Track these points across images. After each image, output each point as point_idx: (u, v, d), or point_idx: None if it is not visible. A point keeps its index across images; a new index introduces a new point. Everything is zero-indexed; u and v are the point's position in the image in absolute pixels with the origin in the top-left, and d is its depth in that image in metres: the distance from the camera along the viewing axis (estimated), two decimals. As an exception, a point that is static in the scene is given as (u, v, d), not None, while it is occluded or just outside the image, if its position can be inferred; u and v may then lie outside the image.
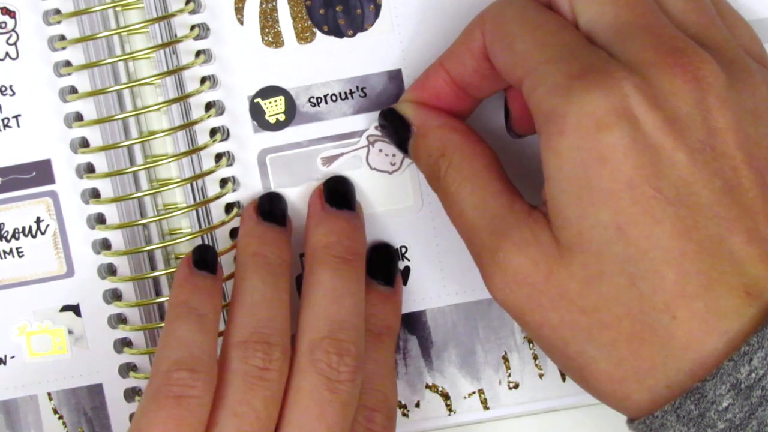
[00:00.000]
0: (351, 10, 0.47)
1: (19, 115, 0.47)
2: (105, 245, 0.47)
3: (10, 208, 0.47)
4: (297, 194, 0.47)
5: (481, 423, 0.49)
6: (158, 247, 0.46)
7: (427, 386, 0.48)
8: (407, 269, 0.48)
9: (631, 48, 0.37)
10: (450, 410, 0.49)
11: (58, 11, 0.46)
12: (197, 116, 0.46)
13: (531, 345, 0.48)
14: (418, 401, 0.49)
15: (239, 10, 0.47)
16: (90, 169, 0.47)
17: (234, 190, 0.47)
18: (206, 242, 0.47)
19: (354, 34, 0.47)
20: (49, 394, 0.48)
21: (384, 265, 0.47)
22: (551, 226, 0.37)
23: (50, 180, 0.47)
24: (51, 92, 0.47)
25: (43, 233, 0.47)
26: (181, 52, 0.46)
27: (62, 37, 0.46)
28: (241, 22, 0.47)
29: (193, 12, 0.46)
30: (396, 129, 0.44)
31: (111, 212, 0.47)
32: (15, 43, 0.47)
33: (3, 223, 0.47)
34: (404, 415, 0.48)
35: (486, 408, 0.48)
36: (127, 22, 0.47)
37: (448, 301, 0.48)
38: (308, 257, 0.45)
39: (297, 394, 0.41)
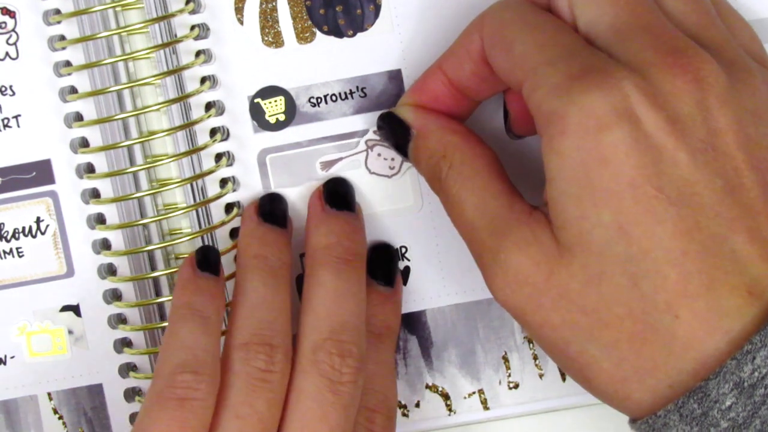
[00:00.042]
0: (351, 10, 0.47)
1: (19, 115, 0.47)
2: (105, 245, 0.47)
3: (10, 208, 0.47)
4: (297, 194, 0.47)
5: (481, 423, 0.49)
6: (158, 247, 0.46)
7: (427, 386, 0.48)
8: (407, 269, 0.48)
9: (631, 48, 0.37)
10: (450, 410, 0.49)
11: (58, 11, 0.46)
12: (197, 116, 0.46)
13: (531, 345, 0.48)
14: (418, 401, 0.49)
15: (239, 10, 0.47)
16: (90, 169, 0.47)
17: (234, 190, 0.47)
18: (206, 242, 0.47)
19: (354, 34, 0.47)
20: (49, 394, 0.48)
21: (384, 265, 0.47)
22: (552, 227, 0.37)
23: (50, 180, 0.47)
24: (51, 92, 0.47)
25: (43, 233, 0.47)
26: (181, 52, 0.46)
27: (62, 37, 0.46)
28: (241, 22, 0.47)
29: (193, 12, 0.46)
30: (395, 132, 0.44)
31: (111, 212, 0.47)
32: (15, 43, 0.47)
33: (3, 223, 0.47)
34: (404, 415, 0.48)
35: (486, 408, 0.48)
36: (127, 22, 0.47)
37: (448, 301, 0.48)
38: (309, 258, 0.45)
39: (299, 396, 0.41)
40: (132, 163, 0.47)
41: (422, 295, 0.48)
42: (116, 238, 0.47)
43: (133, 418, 0.48)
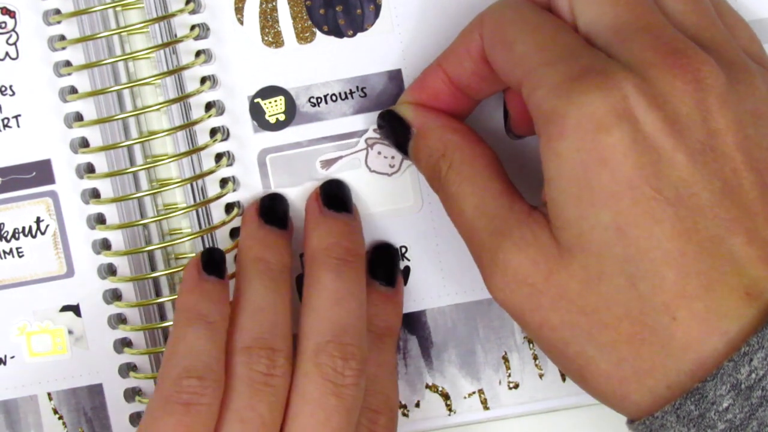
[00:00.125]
0: (351, 10, 0.47)
1: (19, 115, 0.47)
2: (105, 245, 0.47)
3: (10, 208, 0.47)
4: (297, 194, 0.47)
5: (481, 423, 0.49)
6: (158, 248, 0.46)
7: (427, 386, 0.48)
8: (407, 269, 0.48)
9: (631, 49, 0.37)
10: (450, 410, 0.49)
11: (58, 11, 0.46)
12: (197, 116, 0.46)
13: (531, 345, 0.48)
14: (418, 401, 0.49)
15: (239, 10, 0.47)
16: (90, 169, 0.47)
17: (234, 190, 0.47)
18: (206, 242, 0.47)
19: (354, 34, 0.47)
20: (49, 394, 0.48)
21: (385, 265, 0.47)
22: (551, 227, 0.37)
23: (50, 180, 0.47)
24: (51, 92, 0.47)
25: (43, 233, 0.47)
26: (181, 52, 0.46)
27: (62, 37, 0.46)
28: (241, 22, 0.47)
29: (193, 12, 0.46)
30: (395, 130, 0.44)
31: (111, 212, 0.47)
32: (15, 43, 0.47)
33: (3, 223, 0.47)
34: (404, 415, 0.48)
35: (486, 408, 0.48)
36: (127, 22, 0.47)
37: (448, 301, 0.48)
38: (308, 260, 0.45)
39: (302, 400, 0.41)
40: (132, 163, 0.47)
41: (422, 295, 0.48)
42: (116, 238, 0.47)
43: (133, 418, 0.48)
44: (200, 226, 0.47)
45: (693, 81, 0.36)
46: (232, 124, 0.47)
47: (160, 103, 0.46)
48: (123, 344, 0.48)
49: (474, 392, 0.48)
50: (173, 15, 0.46)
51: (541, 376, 0.48)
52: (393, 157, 0.47)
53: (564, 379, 0.48)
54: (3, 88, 0.47)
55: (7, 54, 0.47)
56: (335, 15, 0.47)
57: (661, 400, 0.36)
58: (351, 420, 0.42)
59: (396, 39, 0.47)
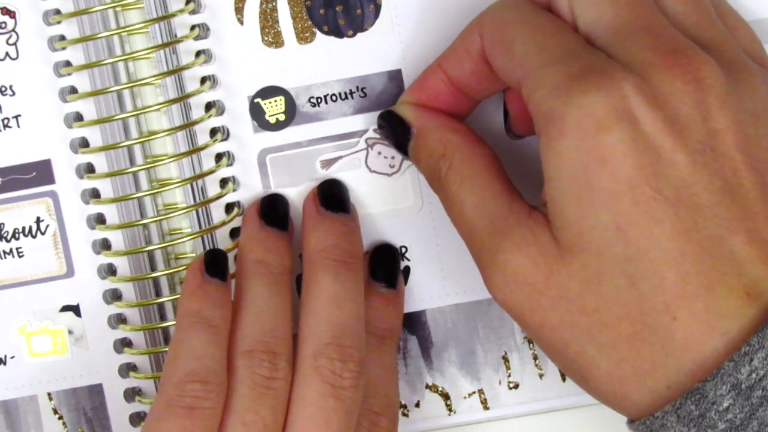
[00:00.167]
0: (351, 10, 0.47)
1: (19, 115, 0.47)
2: (105, 245, 0.47)
3: (10, 208, 0.47)
4: (297, 194, 0.47)
5: (481, 423, 0.49)
6: (158, 248, 0.46)
7: (427, 386, 0.48)
8: (407, 269, 0.48)
9: (631, 49, 0.37)
10: (450, 410, 0.49)
11: (58, 11, 0.46)
12: (197, 116, 0.46)
13: (531, 345, 0.48)
14: (418, 401, 0.49)
15: (239, 10, 0.47)
16: (90, 169, 0.47)
17: (234, 190, 0.47)
18: (206, 243, 0.47)
19: (354, 34, 0.47)
20: (49, 394, 0.48)
21: (386, 265, 0.47)
22: (551, 227, 0.37)
23: (50, 180, 0.47)
24: (51, 92, 0.47)
25: (43, 233, 0.47)
26: (181, 52, 0.46)
27: (62, 37, 0.46)
28: (241, 22, 0.47)
29: (193, 12, 0.46)
30: (395, 131, 0.44)
31: (111, 212, 0.47)
32: (15, 43, 0.47)
33: (3, 223, 0.47)
34: (404, 415, 0.48)
35: (486, 408, 0.48)
36: (127, 22, 0.47)
37: (448, 301, 0.48)
38: (307, 261, 0.45)
39: (302, 403, 0.41)
40: (132, 163, 0.47)
41: (422, 295, 0.48)
42: (116, 238, 0.47)
43: (133, 418, 0.48)
44: (200, 226, 0.47)
45: (693, 81, 0.36)
46: (232, 124, 0.47)
47: (160, 103, 0.46)
48: (123, 344, 0.48)
49: (474, 392, 0.48)
50: (173, 15, 0.46)
51: (541, 376, 0.48)
52: (393, 157, 0.47)
53: (564, 379, 0.48)
54: (3, 88, 0.47)
55: (7, 54, 0.47)
56: (335, 15, 0.47)
57: (661, 400, 0.36)
58: (350, 422, 0.42)
59: (396, 39, 0.47)
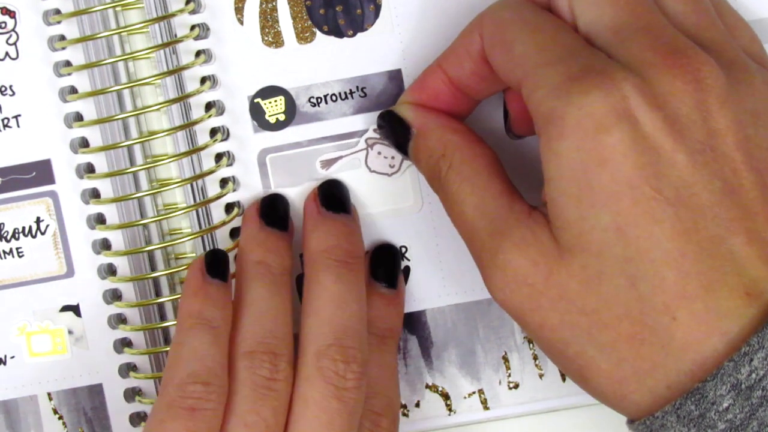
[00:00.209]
0: (351, 10, 0.47)
1: (19, 115, 0.47)
2: (105, 245, 0.47)
3: (10, 208, 0.47)
4: (297, 194, 0.47)
5: (481, 423, 0.49)
6: (158, 248, 0.46)
7: (427, 386, 0.48)
8: (407, 269, 0.48)
9: (631, 49, 0.37)
10: (450, 410, 0.49)
11: (58, 11, 0.46)
12: (197, 116, 0.46)
13: (531, 345, 0.48)
14: (418, 401, 0.49)
15: (239, 10, 0.47)
16: (90, 169, 0.47)
17: (234, 190, 0.47)
18: (206, 243, 0.47)
19: (354, 34, 0.47)
20: (49, 394, 0.48)
21: (386, 265, 0.47)
22: (551, 227, 0.37)
23: (50, 180, 0.47)
24: (51, 92, 0.47)
25: (43, 233, 0.47)
26: (181, 52, 0.46)
27: (62, 37, 0.46)
28: (241, 22, 0.47)
29: (193, 12, 0.46)
30: (395, 131, 0.44)
31: (111, 212, 0.47)
32: (15, 43, 0.47)
33: (3, 223, 0.47)
34: (404, 415, 0.48)
35: (486, 408, 0.48)
36: (127, 22, 0.47)
37: (448, 301, 0.48)
38: (308, 262, 0.45)
39: (305, 404, 0.41)
40: (132, 163, 0.47)
41: (422, 295, 0.48)
42: (116, 238, 0.47)
43: (133, 418, 0.48)
44: (200, 226, 0.47)
45: (693, 81, 0.36)
46: (232, 124, 0.47)
47: (160, 103, 0.46)
48: (123, 344, 0.48)
49: (474, 392, 0.48)
50: (173, 15, 0.46)
51: (541, 376, 0.48)
52: (393, 157, 0.47)
53: (564, 379, 0.48)
54: (3, 88, 0.47)
55: (7, 54, 0.47)
56: (335, 15, 0.47)
57: (661, 400, 0.36)
58: (353, 423, 0.42)
59: (396, 39, 0.47)
